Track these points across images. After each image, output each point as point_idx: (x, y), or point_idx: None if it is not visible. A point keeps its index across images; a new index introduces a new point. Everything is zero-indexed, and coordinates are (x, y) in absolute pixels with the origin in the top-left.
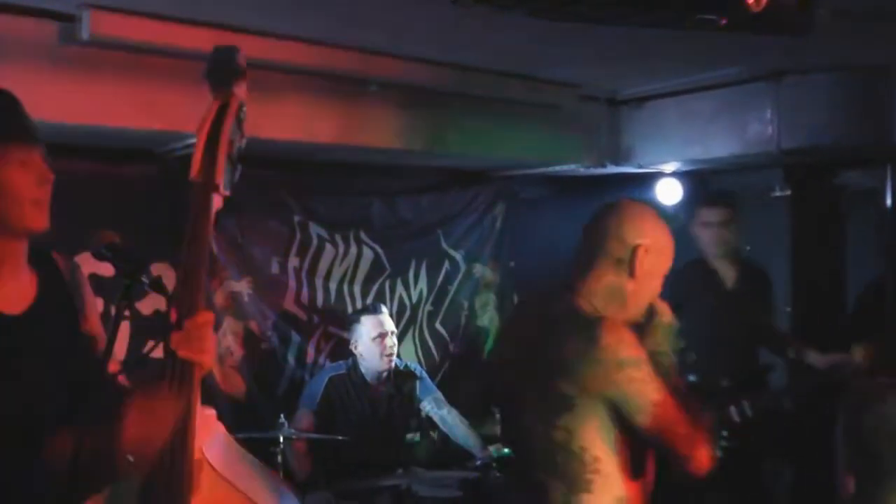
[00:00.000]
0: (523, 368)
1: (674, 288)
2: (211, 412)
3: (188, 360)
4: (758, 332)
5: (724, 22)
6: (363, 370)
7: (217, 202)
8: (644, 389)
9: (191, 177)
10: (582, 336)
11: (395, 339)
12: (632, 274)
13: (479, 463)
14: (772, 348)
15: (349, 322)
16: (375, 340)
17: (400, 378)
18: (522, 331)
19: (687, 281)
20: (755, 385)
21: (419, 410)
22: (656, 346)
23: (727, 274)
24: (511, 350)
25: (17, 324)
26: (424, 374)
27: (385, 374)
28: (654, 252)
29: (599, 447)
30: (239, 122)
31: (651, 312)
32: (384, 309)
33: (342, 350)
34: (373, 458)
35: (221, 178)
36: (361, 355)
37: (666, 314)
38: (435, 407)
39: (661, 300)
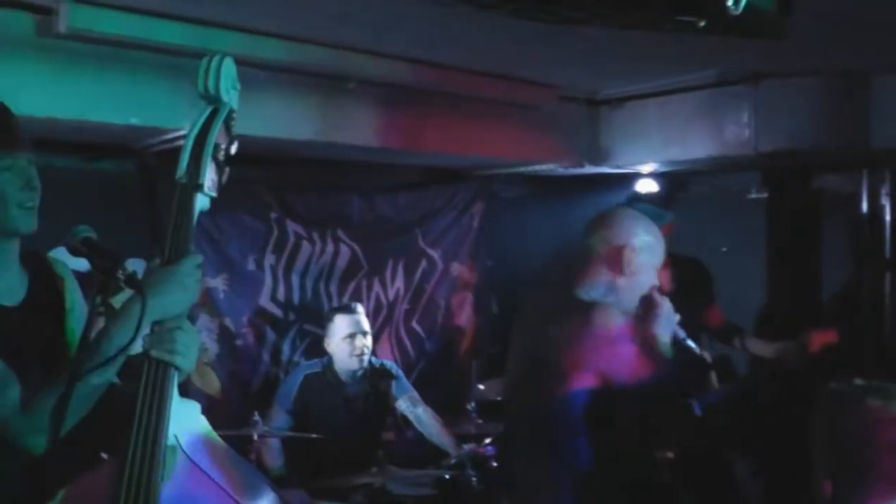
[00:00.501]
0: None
1: None
2: (195, 405)
3: (161, 360)
4: (701, 325)
5: (703, 24)
6: (338, 369)
7: (203, 202)
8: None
9: (176, 177)
10: (579, 318)
11: (368, 340)
12: (622, 272)
13: (453, 461)
14: (717, 338)
15: (324, 320)
16: (346, 340)
17: (375, 376)
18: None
19: None
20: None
21: (394, 409)
22: (650, 332)
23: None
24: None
25: (14, 313)
26: (400, 373)
27: (360, 372)
28: (642, 252)
29: None
30: (228, 126)
31: (649, 304)
32: (360, 308)
33: (318, 348)
34: (347, 456)
35: (205, 180)
36: (333, 354)
37: (661, 306)
38: (410, 406)
39: (660, 293)
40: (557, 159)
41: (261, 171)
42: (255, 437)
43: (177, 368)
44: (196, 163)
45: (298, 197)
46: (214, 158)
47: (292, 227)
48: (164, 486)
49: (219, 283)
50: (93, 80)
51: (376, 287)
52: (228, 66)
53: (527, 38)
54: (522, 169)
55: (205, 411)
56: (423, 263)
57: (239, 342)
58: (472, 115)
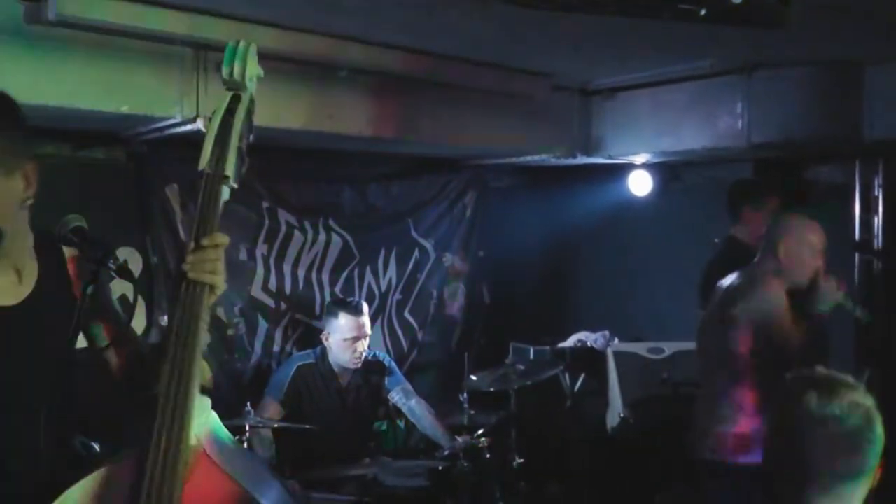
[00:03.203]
0: None
1: None
2: (206, 400)
3: (199, 282)
4: None
5: (704, 13)
6: (331, 361)
7: (227, 193)
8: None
9: (200, 167)
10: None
11: (367, 341)
12: (778, 258)
13: (446, 453)
14: None
15: (327, 310)
16: (348, 341)
17: (369, 368)
18: None
19: None
20: None
21: (387, 401)
22: (814, 306)
23: None
24: None
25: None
26: (393, 365)
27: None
28: (793, 244)
29: None
30: (251, 118)
31: (814, 283)
32: (365, 310)
33: (310, 338)
34: (339, 446)
35: (231, 171)
36: (331, 348)
37: (826, 285)
38: (403, 398)
39: (828, 275)
40: (550, 149)
41: (252, 160)
42: (247, 428)
43: (212, 289)
44: (221, 152)
45: (290, 186)
46: (238, 149)
47: (284, 216)
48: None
49: None
50: (82, 68)
51: (368, 277)
52: (254, 54)
53: (519, 27)
54: (515, 159)
55: None
56: (416, 253)
57: (230, 332)
58: (465, 105)
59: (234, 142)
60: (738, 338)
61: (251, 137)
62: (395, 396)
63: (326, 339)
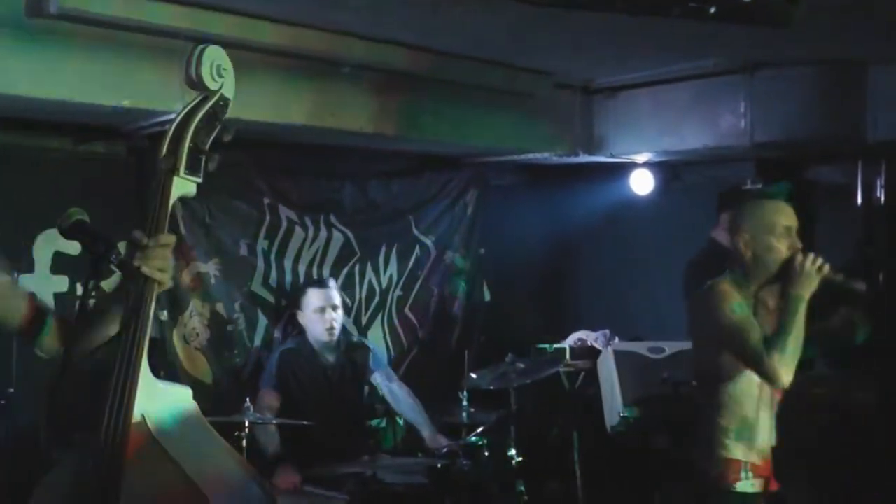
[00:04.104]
0: None
1: None
2: (179, 389)
3: (148, 277)
4: None
5: (713, 11)
6: (311, 341)
7: (185, 187)
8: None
9: (158, 159)
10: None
11: (338, 313)
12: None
13: (445, 450)
14: None
15: (298, 293)
16: (317, 312)
17: (352, 349)
18: None
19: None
20: None
21: (370, 383)
22: (797, 288)
23: None
24: None
25: None
26: (376, 350)
27: (333, 343)
28: (754, 230)
29: None
30: (215, 114)
31: (790, 264)
32: (332, 283)
33: None
34: (330, 427)
35: (183, 162)
36: (306, 326)
37: (804, 262)
38: (385, 380)
39: (804, 252)
40: (552, 148)
41: (254, 155)
42: (247, 424)
43: (159, 284)
44: (175, 148)
45: (291, 182)
46: (196, 145)
47: (285, 212)
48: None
49: (211, 268)
50: (84, 62)
51: (369, 273)
52: (211, 54)
53: (523, 25)
54: (516, 157)
55: (196, 397)
56: (417, 250)
57: (230, 328)
58: (467, 103)
59: (187, 137)
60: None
61: (226, 136)
62: (378, 378)
63: (302, 319)
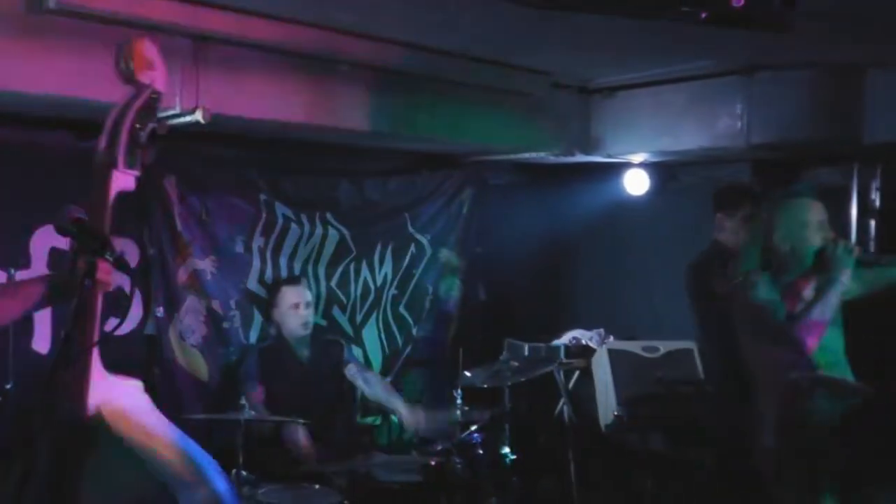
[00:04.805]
0: None
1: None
2: (131, 384)
3: (98, 281)
4: None
5: (705, 16)
6: (286, 336)
7: (124, 180)
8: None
9: (95, 154)
10: None
11: (310, 310)
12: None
13: (440, 448)
14: None
15: (271, 290)
16: (291, 308)
17: (326, 344)
18: None
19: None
20: None
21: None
22: (834, 270)
23: None
24: None
25: None
26: (351, 347)
27: (307, 337)
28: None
29: None
30: (149, 108)
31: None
32: (304, 281)
33: None
34: (328, 435)
35: (121, 156)
36: (280, 322)
37: (836, 247)
38: (359, 371)
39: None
40: (548, 147)
41: (250, 152)
42: (242, 421)
43: (104, 286)
44: (113, 142)
45: (288, 179)
46: (133, 137)
47: (281, 209)
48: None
49: (207, 265)
50: (82, 58)
51: (364, 271)
52: (142, 49)
53: (521, 24)
54: (513, 156)
55: (192, 395)
56: (412, 249)
57: (226, 325)
58: (464, 101)
59: (125, 132)
60: None
61: (163, 128)
62: (352, 370)
63: (276, 316)
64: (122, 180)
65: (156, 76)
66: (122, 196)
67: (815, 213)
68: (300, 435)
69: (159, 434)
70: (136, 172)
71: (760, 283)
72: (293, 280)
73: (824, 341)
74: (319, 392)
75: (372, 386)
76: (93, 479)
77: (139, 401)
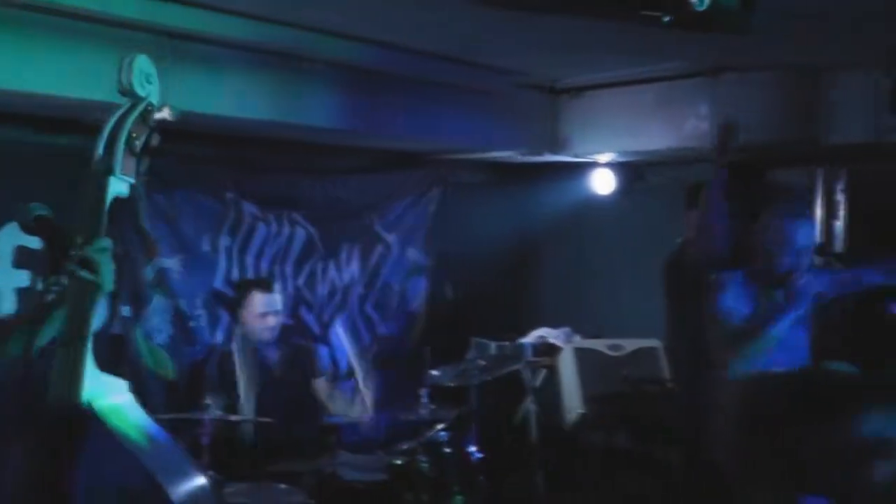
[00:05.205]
0: None
1: None
2: (118, 382)
3: (87, 279)
4: None
5: (667, 19)
6: (251, 339)
7: (119, 186)
8: None
9: (93, 160)
10: None
11: (279, 317)
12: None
13: (406, 447)
14: None
15: (239, 290)
16: (258, 318)
17: (295, 346)
18: None
19: None
20: None
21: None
22: None
23: None
24: None
25: None
26: (324, 354)
27: (275, 341)
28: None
29: None
30: (145, 118)
31: None
32: (277, 288)
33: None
34: (292, 435)
35: (117, 164)
36: (244, 324)
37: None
38: (327, 387)
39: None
40: (516, 147)
41: (218, 150)
42: (208, 421)
43: (98, 287)
44: (110, 150)
45: (255, 177)
46: (129, 147)
47: (248, 208)
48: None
49: (174, 264)
50: (50, 54)
51: (331, 270)
52: (141, 63)
53: (489, 24)
54: (480, 155)
55: (158, 394)
56: (379, 248)
57: (192, 324)
58: (433, 100)
59: (122, 139)
60: None
61: (154, 139)
62: (321, 385)
63: (241, 318)
64: (118, 187)
65: (152, 90)
66: (116, 202)
67: (806, 237)
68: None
69: (148, 431)
70: (131, 180)
71: (730, 286)
72: (265, 286)
73: (788, 342)
74: (288, 396)
75: (336, 403)
76: (84, 473)
77: (127, 399)
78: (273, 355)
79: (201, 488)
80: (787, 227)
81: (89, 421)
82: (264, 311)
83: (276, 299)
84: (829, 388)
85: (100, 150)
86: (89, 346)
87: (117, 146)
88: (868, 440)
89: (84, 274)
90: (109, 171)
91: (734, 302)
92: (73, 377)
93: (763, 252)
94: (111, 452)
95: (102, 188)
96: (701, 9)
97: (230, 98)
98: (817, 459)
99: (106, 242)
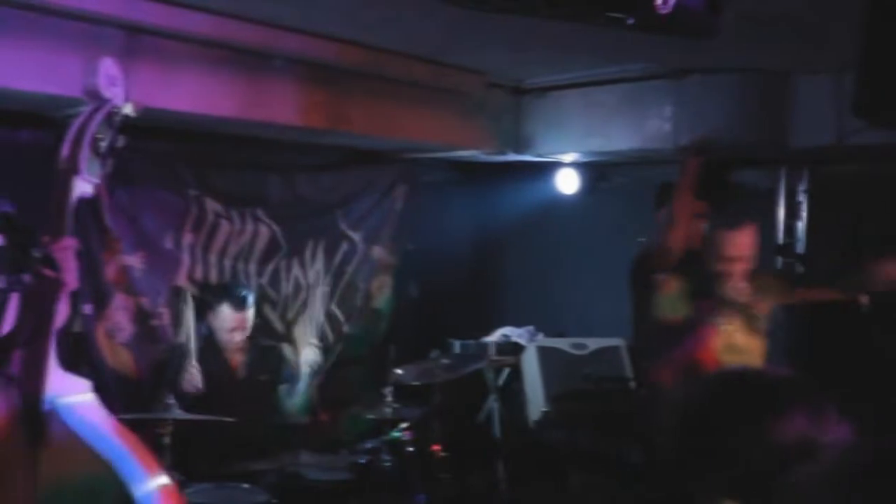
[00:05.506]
0: None
1: None
2: (81, 382)
3: (52, 278)
4: None
5: (631, 21)
6: (216, 339)
7: (84, 187)
8: None
9: (58, 161)
10: None
11: (247, 332)
12: None
13: (369, 446)
14: None
15: (214, 293)
16: (226, 331)
17: (263, 348)
18: None
19: None
20: None
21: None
22: None
23: None
24: None
25: None
26: (289, 362)
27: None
28: None
29: None
30: (110, 121)
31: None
32: (250, 301)
33: None
34: (254, 435)
35: (83, 164)
36: (213, 329)
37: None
38: (287, 394)
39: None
40: (481, 146)
41: (181, 146)
42: (170, 420)
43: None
44: (75, 150)
45: (218, 174)
46: (94, 148)
47: (211, 205)
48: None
49: (136, 261)
50: (12, 48)
51: (295, 268)
52: (107, 66)
53: (455, 23)
54: (445, 154)
55: (120, 393)
56: (344, 246)
57: (155, 322)
58: (398, 98)
59: (88, 141)
60: None
61: (119, 141)
62: (283, 392)
63: (211, 322)
64: (83, 187)
65: (117, 92)
66: (81, 201)
67: (736, 247)
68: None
69: (111, 428)
70: (97, 180)
71: (669, 287)
72: (238, 303)
73: (738, 344)
74: (252, 400)
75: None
76: (47, 470)
77: (90, 398)
78: (238, 357)
79: (163, 486)
80: (717, 237)
81: (52, 418)
82: (233, 327)
83: (248, 316)
84: (756, 388)
85: (65, 150)
86: (53, 344)
87: (83, 147)
88: (789, 442)
89: (48, 272)
90: (75, 171)
91: (671, 303)
92: (39, 374)
93: (701, 258)
94: (73, 450)
95: (67, 188)
96: (665, 11)
97: (194, 94)
98: (738, 461)
99: (71, 242)
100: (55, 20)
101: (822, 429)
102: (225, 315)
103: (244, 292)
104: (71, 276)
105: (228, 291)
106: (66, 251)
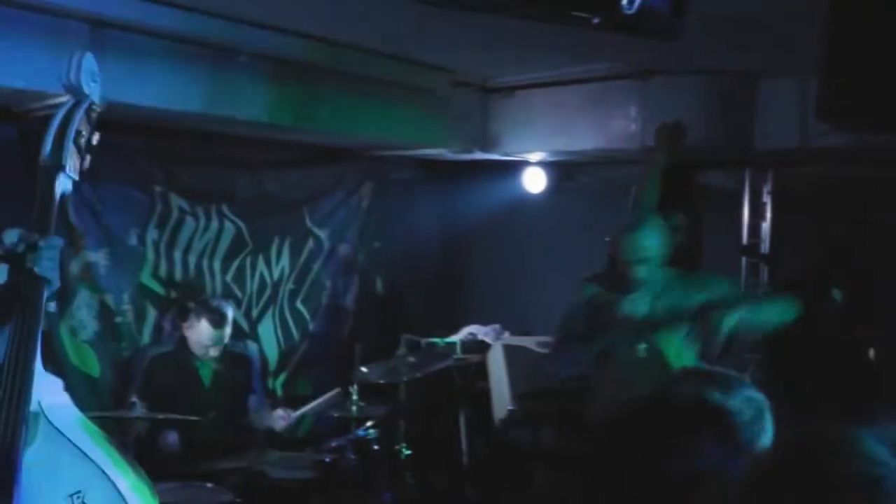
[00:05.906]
0: None
1: None
2: (58, 381)
3: (40, 276)
4: None
5: (596, 21)
6: (190, 348)
7: (66, 183)
8: None
9: (41, 158)
10: None
11: (221, 349)
12: None
13: (333, 444)
14: None
15: (195, 307)
16: (201, 345)
17: (234, 361)
18: None
19: None
20: None
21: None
22: None
23: None
24: None
25: None
26: (257, 367)
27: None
28: None
29: None
30: (89, 116)
31: None
32: (229, 317)
33: None
34: (221, 435)
35: (67, 160)
36: (188, 339)
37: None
38: (255, 405)
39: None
40: (447, 144)
41: (146, 141)
42: (134, 420)
43: (48, 282)
44: (59, 146)
45: (184, 170)
46: (76, 144)
47: (176, 201)
48: (27, 451)
49: (100, 258)
50: None
51: (261, 266)
52: (88, 62)
53: (424, 21)
54: (412, 152)
55: (82, 391)
56: (310, 243)
57: (119, 319)
58: (365, 95)
59: (70, 136)
60: None
61: (95, 138)
62: (253, 403)
63: (186, 332)
64: (65, 183)
65: (96, 88)
66: (63, 199)
67: (629, 251)
68: (174, 439)
69: (90, 427)
70: (76, 177)
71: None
72: (217, 320)
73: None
74: (221, 407)
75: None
76: (33, 471)
77: (65, 398)
78: (210, 365)
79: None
80: (619, 238)
81: (36, 419)
82: (209, 343)
83: (225, 334)
84: (670, 413)
85: (47, 147)
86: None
87: (66, 143)
88: (691, 472)
89: (38, 270)
90: (59, 167)
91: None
92: (24, 384)
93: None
94: (59, 450)
95: (52, 185)
96: (630, 12)
97: (156, 89)
98: (641, 488)
99: (57, 241)
100: (21, 13)
101: (730, 452)
102: (202, 330)
103: (224, 308)
104: (54, 274)
105: (208, 307)
106: (55, 250)
